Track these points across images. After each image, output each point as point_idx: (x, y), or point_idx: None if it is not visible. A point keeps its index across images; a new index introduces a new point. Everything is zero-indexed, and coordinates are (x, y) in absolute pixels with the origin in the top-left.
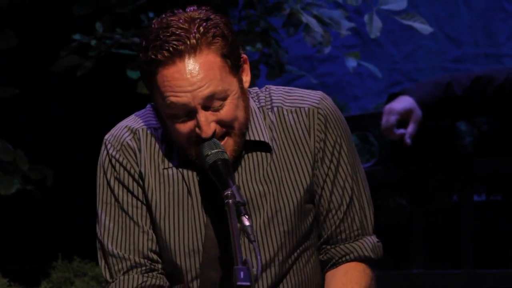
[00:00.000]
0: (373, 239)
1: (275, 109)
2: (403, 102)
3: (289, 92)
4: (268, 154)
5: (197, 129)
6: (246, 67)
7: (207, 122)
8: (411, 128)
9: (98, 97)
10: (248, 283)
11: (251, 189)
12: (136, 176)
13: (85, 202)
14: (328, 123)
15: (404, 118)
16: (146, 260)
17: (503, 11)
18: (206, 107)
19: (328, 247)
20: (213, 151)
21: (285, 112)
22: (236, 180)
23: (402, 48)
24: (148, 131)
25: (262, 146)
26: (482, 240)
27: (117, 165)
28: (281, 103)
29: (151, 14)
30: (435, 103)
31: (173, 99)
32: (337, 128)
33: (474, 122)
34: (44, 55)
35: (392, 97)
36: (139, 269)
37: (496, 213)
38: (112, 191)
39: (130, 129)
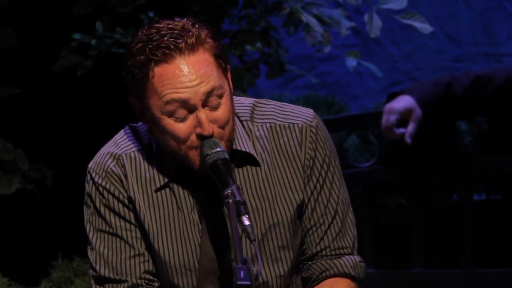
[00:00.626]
0: (355, 258)
1: (268, 124)
2: (403, 102)
3: (281, 107)
4: (258, 169)
5: (197, 128)
6: (229, 76)
7: (208, 120)
8: (411, 127)
9: (98, 97)
10: (248, 282)
11: (251, 205)
12: (126, 201)
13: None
14: (318, 142)
15: (404, 118)
16: (143, 281)
17: (503, 10)
18: (205, 105)
19: (309, 263)
20: (213, 150)
21: (278, 128)
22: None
23: (402, 47)
24: (132, 155)
25: (250, 160)
26: (482, 239)
27: (105, 192)
28: (273, 118)
29: (151, 14)
30: (435, 102)
31: (174, 95)
32: (325, 148)
33: (474, 121)
34: (44, 55)
35: (392, 96)
36: None
37: (496, 213)
38: (104, 218)
39: (113, 155)
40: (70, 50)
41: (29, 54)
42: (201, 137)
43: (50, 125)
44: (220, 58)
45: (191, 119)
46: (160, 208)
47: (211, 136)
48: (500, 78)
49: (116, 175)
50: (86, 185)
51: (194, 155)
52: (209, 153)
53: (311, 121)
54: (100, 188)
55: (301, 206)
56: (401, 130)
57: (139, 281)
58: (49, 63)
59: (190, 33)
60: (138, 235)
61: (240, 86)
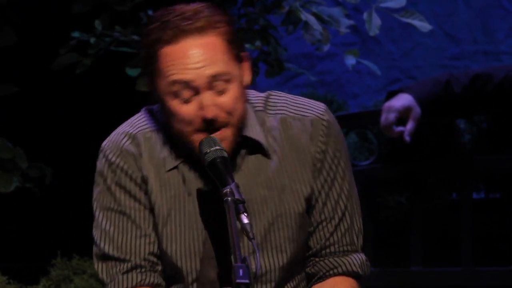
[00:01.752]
0: (362, 256)
1: (279, 116)
2: (402, 100)
3: (294, 100)
4: (268, 159)
5: (200, 111)
6: (247, 66)
7: (211, 103)
8: (410, 125)
9: (97, 95)
10: (247, 281)
11: (252, 192)
12: (138, 180)
13: (84, 200)
14: (330, 136)
15: (403, 116)
16: (146, 262)
17: (501, 8)
18: (210, 88)
19: (317, 259)
20: (212, 149)
21: (289, 120)
22: (237, 182)
23: (401, 45)
24: (147, 135)
25: (261, 150)
26: (481, 237)
27: (118, 170)
28: (286, 110)
29: (150, 12)
30: (434, 100)
31: (177, 76)
32: (337, 142)
33: (473, 119)
34: (43, 53)
35: (391, 94)
36: (138, 270)
37: (495, 211)
38: (114, 196)
39: (128, 134)
40: (69, 49)
41: (28, 52)
42: (204, 120)
43: (49, 123)
44: (233, 43)
45: (195, 102)
46: (170, 189)
47: (215, 119)
48: (499, 76)
49: (131, 154)
50: (98, 163)
51: (196, 139)
52: (208, 151)
53: (323, 115)
54: (113, 166)
55: (309, 199)
56: (400, 128)
57: (143, 262)
58: (48, 61)
59: (201, 16)
60: (146, 216)
61: None
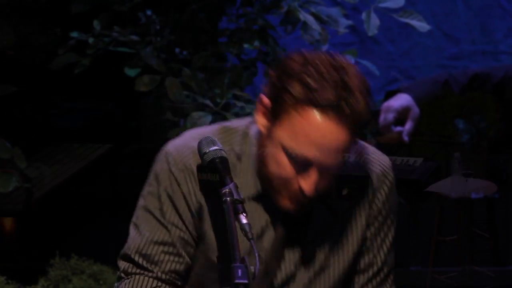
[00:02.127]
0: None
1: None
2: (401, 100)
3: (363, 150)
4: (331, 215)
5: (300, 178)
6: None
7: (315, 183)
8: (408, 125)
9: (96, 95)
10: (246, 281)
11: (307, 240)
12: (190, 202)
13: (83, 200)
14: (389, 196)
15: (401, 116)
16: (167, 276)
17: (500, 8)
18: (321, 172)
19: None
20: (211, 149)
21: None
22: (304, 234)
23: (399, 45)
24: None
25: (329, 206)
26: (480, 237)
27: (175, 184)
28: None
29: (148, 12)
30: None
31: (303, 151)
32: (393, 202)
33: (473, 119)
34: (42, 53)
35: (389, 94)
36: (157, 281)
37: (494, 211)
38: (161, 204)
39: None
40: (68, 48)
41: (27, 52)
42: (299, 190)
43: (48, 123)
44: (359, 133)
45: (301, 169)
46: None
47: (309, 197)
48: (497, 76)
49: (194, 175)
50: (158, 163)
51: (279, 195)
52: (207, 151)
53: (388, 173)
54: (172, 177)
55: (357, 255)
56: (398, 128)
57: (163, 275)
58: (47, 61)
59: (357, 100)
60: (186, 237)
61: (238, 85)
